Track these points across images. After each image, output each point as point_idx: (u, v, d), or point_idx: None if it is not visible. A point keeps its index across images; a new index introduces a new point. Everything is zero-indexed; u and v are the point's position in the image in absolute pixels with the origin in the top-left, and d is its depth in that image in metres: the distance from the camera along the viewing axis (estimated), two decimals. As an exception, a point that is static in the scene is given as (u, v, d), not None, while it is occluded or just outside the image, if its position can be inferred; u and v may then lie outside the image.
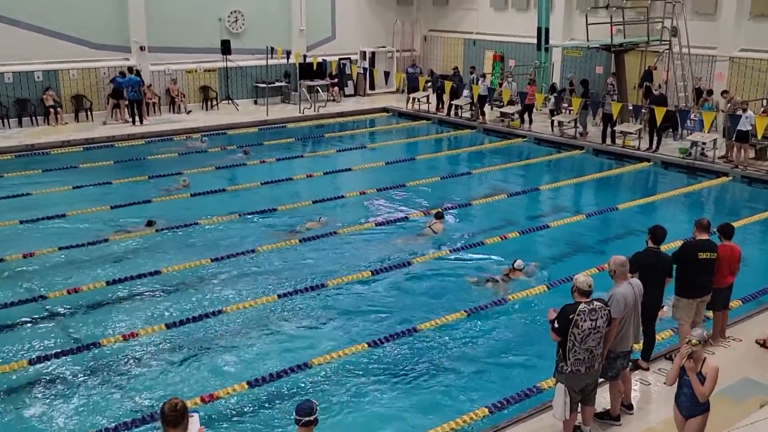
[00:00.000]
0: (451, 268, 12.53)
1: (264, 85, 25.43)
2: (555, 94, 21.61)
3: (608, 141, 20.40)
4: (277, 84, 26.50)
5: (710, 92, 19.83)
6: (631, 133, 20.26)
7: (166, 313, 10.75)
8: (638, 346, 8.57)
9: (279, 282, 11.88)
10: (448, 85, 23.01)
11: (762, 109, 18.68)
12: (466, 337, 10.20)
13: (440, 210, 14.47)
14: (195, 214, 14.71)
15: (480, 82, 22.99)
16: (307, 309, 11.00)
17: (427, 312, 10.89)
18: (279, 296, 11.23)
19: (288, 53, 24.36)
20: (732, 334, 9.59)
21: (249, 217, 14.79)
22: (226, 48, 24.87)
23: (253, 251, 12.93)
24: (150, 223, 13.96)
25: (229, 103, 25.28)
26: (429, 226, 14.03)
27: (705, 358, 6.63)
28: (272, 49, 23.98)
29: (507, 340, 10.14)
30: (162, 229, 13.90)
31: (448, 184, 17.68)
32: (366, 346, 9.78)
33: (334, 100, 27.06)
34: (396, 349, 9.85)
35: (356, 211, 15.43)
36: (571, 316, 6.89)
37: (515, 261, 12.12)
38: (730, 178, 17.71)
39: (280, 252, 13.05)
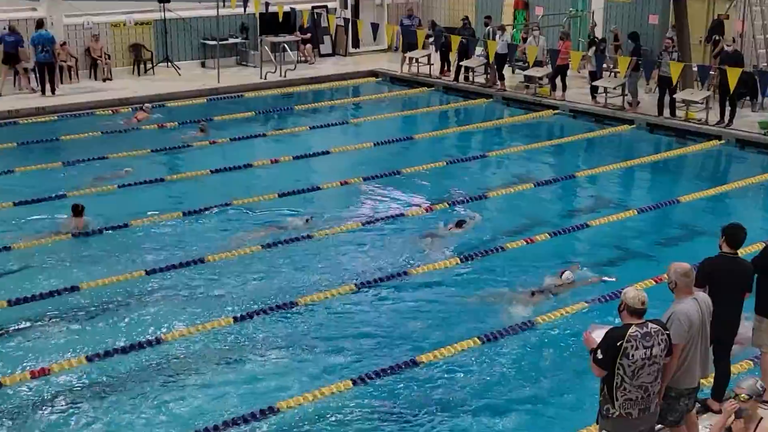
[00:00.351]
0: (460, 282, 12.55)
1: (214, 43, 25.39)
2: (596, 52, 21.62)
3: (666, 113, 20.46)
4: (231, 41, 26.50)
5: None
6: (697, 103, 20.33)
7: (87, 343, 10.70)
8: (707, 382, 8.58)
9: (236, 300, 11.86)
10: (455, 40, 23.00)
11: None
12: (480, 371, 10.21)
13: (461, 219, 14.61)
14: (125, 212, 14.68)
15: (498, 36, 23.02)
16: (272, 335, 10.98)
17: (429, 338, 10.89)
18: (236, 319, 11.22)
19: (245, 0, 24.29)
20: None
21: (194, 215, 14.78)
22: (163, -7, 24.87)
23: (201, 261, 12.92)
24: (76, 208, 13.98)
25: (168, 67, 25.23)
26: (448, 230, 14.34)
27: (761, 418, 6.63)
28: (225, -6, 23.96)
29: (533, 375, 10.15)
30: (81, 234, 13.87)
31: (457, 171, 17.71)
32: (350, 384, 9.77)
33: (306, 62, 27.03)
34: (390, 387, 9.83)
35: (336, 207, 15.42)
36: (619, 343, 6.89)
37: (563, 272, 12.37)
38: (826, 160, 17.84)
39: (238, 262, 13.04)
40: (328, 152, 18.65)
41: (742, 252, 12.06)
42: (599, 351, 6.97)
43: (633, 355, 6.88)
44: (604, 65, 22.26)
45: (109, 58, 24.42)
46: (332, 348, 10.73)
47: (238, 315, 11.32)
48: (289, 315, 11.45)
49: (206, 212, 14.94)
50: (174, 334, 10.85)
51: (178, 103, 22.39)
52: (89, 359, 10.25)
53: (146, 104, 21.48)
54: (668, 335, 7.08)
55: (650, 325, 6.98)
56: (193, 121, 20.43)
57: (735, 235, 8.36)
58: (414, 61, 25.39)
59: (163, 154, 18.29)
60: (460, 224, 14.44)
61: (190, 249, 13.45)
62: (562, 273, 12.40)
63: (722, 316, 7.90)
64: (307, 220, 14.53)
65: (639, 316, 6.98)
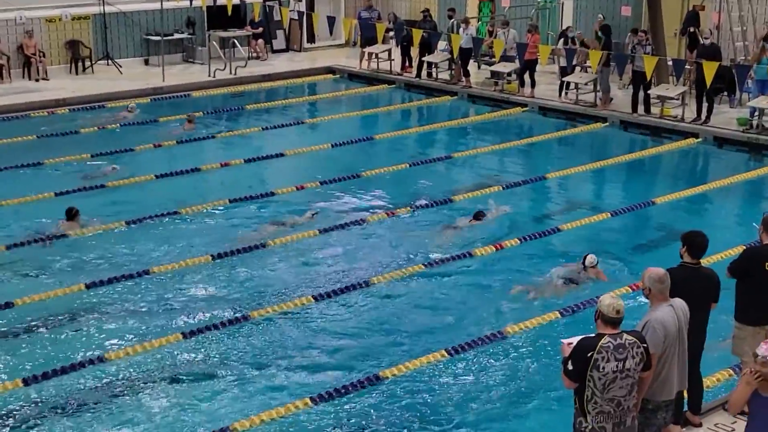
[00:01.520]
0: (423, 291, 12.60)
1: (158, 39, 25.24)
2: (566, 46, 21.82)
3: (640, 109, 20.69)
4: (176, 36, 26.42)
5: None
6: (672, 99, 20.58)
7: (22, 364, 10.58)
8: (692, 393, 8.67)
9: (186, 314, 11.81)
10: (417, 34, 23.10)
11: None
12: (448, 385, 10.24)
13: (481, 210, 14.89)
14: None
15: (462, 30, 23.14)
16: (225, 352, 10.93)
17: (392, 351, 10.91)
18: (185, 335, 11.16)
19: (190, -8, 24.20)
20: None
21: (137, 224, 14.71)
22: (102, -14, 24.70)
23: (147, 272, 12.85)
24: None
25: (108, 65, 25.06)
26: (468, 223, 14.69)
27: None
28: (169, -14, 23.83)
29: (505, 388, 10.19)
30: (15, 245, 13.73)
31: (420, 173, 17.76)
32: (308, 402, 9.76)
33: (258, 58, 26.99)
34: (352, 404, 9.83)
35: (292, 214, 15.38)
36: (589, 354, 6.92)
37: (586, 257, 12.68)
38: (808, 158, 18.13)
39: (186, 273, 12.98)
40: (282, 155, 18.62)
41: (722, 255, 12.35)
42: (569, 362, 7.02)
43: (603, 368, 6.92)
44: (576, 60, 22.45)
45: (44, 56, 24.18)
46: (291, 364, 10.70)
47: (189, 330, 11.24)
48: (243, 329, 11.40)
49: (150, 220, 14.85)
50: (118, 353, 10.74)
51: (119, 104, 22.22)
52: (25, 382, 10.12)
53: (130, 105, 21.55)
54: (645, 348, 7.11)
55: (625, 336, 7.02)
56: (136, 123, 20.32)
57: (695, 242, 8.28)
58: (374, 56, 25.45)
59: (104, 159, 18.14)
60: (478, 216, 14.69)
61: (133, 260, 13.36)
62: (585, 258, 12.68)
63: (690, 328, 7.77)
64: (313, 215, 14.91)
65: (614, 325, 7.01)
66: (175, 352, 10.89)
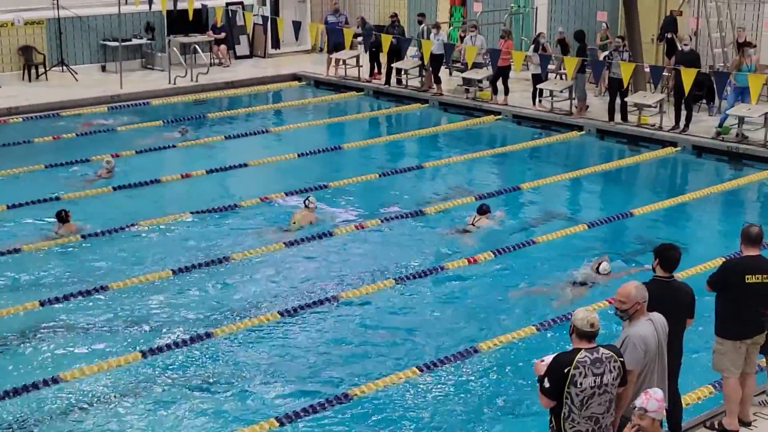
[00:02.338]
0: (395, 307, 12.63)
1: (116, 44, 25.16)
2: (540, 52, 21.97)
3: (617, 117, 20.85)
4: (135, 42, 26.33)
5: (748, 45, 20.28)
6: (650, 107, 20.76)
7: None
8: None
9: (145, 331, 11.76)
10: (386, 40, 23.16)
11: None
12: (419, 403, 10.24)
13: (484, 204, 15.38)
14: (13, 235, 14.54)
15: (433, 35, 23.24)
16: (188, 371, 10.88)
17: (362, 368, 10.90)
18: (144, 353, 11.09)
19: (151, -4, 24.14)
20: (796, 388, 9.87)
21: (94, 238, 14.61)
22: (57, -11, 24.60)
23: (104, 288, 12.78)
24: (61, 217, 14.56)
25: (63, 71, 24.93)
26: (472, 223, 15.01)
27: None
28: (127, -11, 23.76)
29: (477, 406, 10.22)
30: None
31: (390, 184, 17.79)
32: (274, 423, 9.72)
33: (220, 64, 26.95)
34: (323, 424, 9.81)
35: (257, 226, 15.36)
36: (566, 370, 6.96)
37: (599, 263, 13.16)
38: (790, 168, 18.33)
39: (145, 289, 12.92)
40: (246, 165, 18.58)
41: (702, 267, 12.47)
42: (546, 379, 7.04)
43: (581, 383, 6.96)
44: (551, 66, 22.58)
45: (-4, 62, 24.07)
46: (256, 383, 10.67)
47: (148, 348, 11.19)
48: (206, 347, 11.35)
49: (107, 234, 14.76)
50: (74, 372, 10.66)
51: (75, 112, 22.10)
52: (-24, 403, 10.04)
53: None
54: (622, 362, 7.16)
55: (602, 350, 7.07)
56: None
57: (668, 257, 8.32)
58: (342, 62, 25.48)
59: (61, 169, 18.03)
60: (483, 211, 15.15)
61: (90, 276, 13.27)
62: (599, 264, 13.12)
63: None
64: (306, 202, 15.29)
65: (590, 339, 7.06)
66: (135, 372, 10.81)
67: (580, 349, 7.01)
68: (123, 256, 14.11)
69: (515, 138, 21.06)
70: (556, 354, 7.09)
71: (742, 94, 19.29)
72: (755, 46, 20.37)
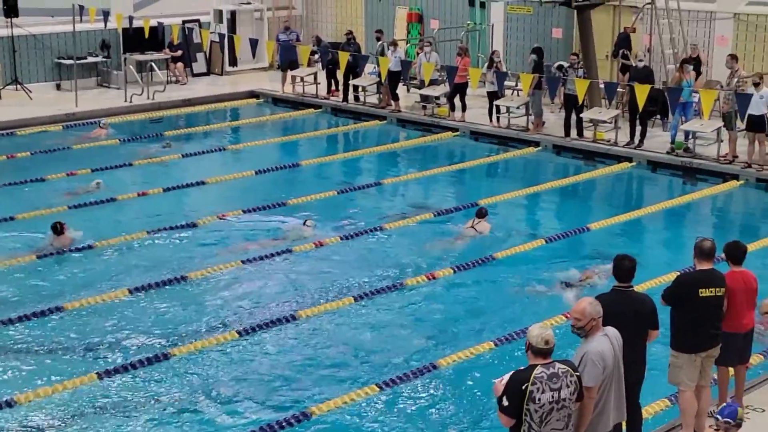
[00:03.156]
0: (357, 322, 12.61)
1: (71, 62, 24.99)
2: (496, 69, 22.10)
3: (573, 133, 21.02)
4: (90, 60, 26.18)
5: (691, 61, 20.43)
6: (605, 122, 20.95)
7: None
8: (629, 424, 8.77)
9: (101, 352, 11.66)
10: (343, 57, 23.21)
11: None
12: (379, 422, 10.23)
13: (482, 207, 15.93)
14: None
15: (390, 52, 23.31)
16: (145, 392, 10.79)
17: (321, 387, 10.89)
18: (100, 375, 11.00)
19: (106, 14, 23.99)
20: (751, 402, 9.93)
21: (47, 258, 14.48)
22: (10, 7, 24.35)
23: (59, 309, 12.67)
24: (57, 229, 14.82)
25: (17, 90, 24.71)
26: (472, 226, 15.50)
27: None
28: (82, 8, 23.59)
29: (436, 424, 10.22)
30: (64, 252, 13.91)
31: (349, 201, 17.79)
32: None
33: (177, 82, 26.86)
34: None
35: (214, 245, 15.31)
36: (524, 386, 6.97)
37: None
38: (742, 182, 18.56)
39: (103, 309, 12.81)
40: (203, 183, 18.51)
41: (657, 281, 12.58)
42: (504, 398, 7.04)
43: (539, 399, 6.98)
44: (507, 83, 22.74)
45: (-51, 81, 23.82)
46: (214, 404, 10.61)
47: (104, 370, 11.08)
48: (163, 368, 11.26)
49: (63, 254, 14.63)
50: (29, 395, 10.53)
51: (29, 131, 21.91)
52: (-71, 428, 9.89)
53: (102, 121, 21.98)
54: (578, 377, 7.20)
55: (557, 365, 7.10)
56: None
57: (620, 267, 8.39)
58: (298, 80, 25.48)
59: (15, 188, 17.84)
60: (480, 213, 15.73)
61: (44, 296, 13.14)
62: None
63: (625, 357, 7.84)
64: (305, 223, 15.70)
65: (544, 356, 7.10)
66: (90, 394, 10.71)
67: (536, 365, 7.04)
68: (79, 275, 13.98)
69: (473, 154, 21.17)
70: (512, 372, 7.11)
71: (685, 109, 19.56)
72: (694, 62, 20.55)
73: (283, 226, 15.91)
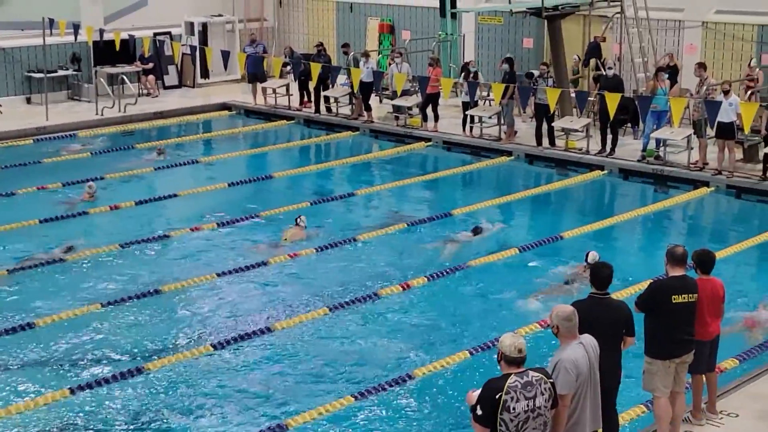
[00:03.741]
0: (329, 333, 12.58)
1: (41, 76, 24.85)
2: (469, 80, 22.18)
3: (545, 142, 21.10)
4: (61, 73, 26.07)
5: (666, 69, 20.58)
6: (577, 131, 21.05)
7: None
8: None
9: (74, 368, 11.58)
10: (315, 68, 23.18)
11: (748, 92, 19.84)
12: (353, 429, 10.23)
13: (479, 226, 16.40)
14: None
15: (362, 63, 23.31)
16: (119, 407, 10.71)
17: (297, 398, 10.85)
18: (73, 390, 10.90)
19: (76, 27, 23.88)
20: (724, 407, 9.99)
21: (19, 272, 14.39)
22: (-20, 20, 24.25)
23: (30, 325, 12.56)
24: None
25: (-13, 103, 24.56)
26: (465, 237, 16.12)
27: None
28: (52, 21, 23.48)
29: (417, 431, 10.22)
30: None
31: (322, 212, 17.76)
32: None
33: (148, 95, 26.76)
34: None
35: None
36: (498, 396, 6.96)
37: (588, 254, 13.93)
38: (713, 188, 18.69)
39: (76, 323, 12.70)
40: (176, 195, 18.43)
41: (631, 290, 12.64)
42: (478, 407, 7.03)
43: (514, 408, 6.97)
44: (479, 93, 22.79)
45: None
46: (189, 418, 10.55)
47: (77, 386, 11.00)
48: (137, 382, 11.19)
49: (34, 268, 14.51)
50: (0, 412, 10.44)
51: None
52: None
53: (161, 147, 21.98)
54: (552, 384, 7.20)
55: (531, 373, 7.09)
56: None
57: (598, 275, 8.44)
58: (271, 92, 25.45)
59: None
60: (476, 231, 16.12)
61: (16, 311, 13.03)
62: (587, 255, 13.90)
63: (601, 364, 7.89)
64: (297, 220, 16.15)
65: (518, 364, 7.09)
66: (63, 409, 10.61)
67: (510, 374, 7.03)
68: (50, 290, 13.86)
69: (446, 164, 21.20)
70: (486, 381, 7.10)
71: (659, 117, 19.70)
72: (670, 70, 20.73)
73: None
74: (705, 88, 19.51)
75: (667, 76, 20.06)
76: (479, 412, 7.00)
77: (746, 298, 13.22)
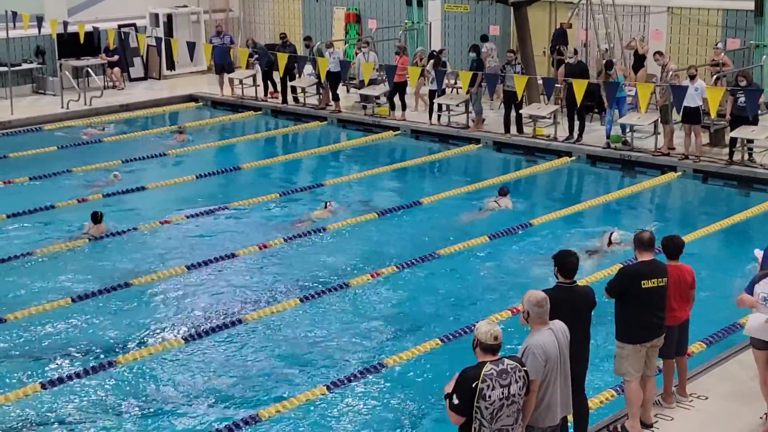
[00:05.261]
0: (300, 323, 12.58)
1: (5, 69, 24.62)
2: (436, 68, 22.18)
3: (513, 129, 21.17)
4: (25, 66, 25.86)
5: (610, 65, 20.62)
6: (544, 118, 21.13)
7: None
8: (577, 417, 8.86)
9: (45, 362, 11.51)
10: (282, 58, 23.11)
11: (713, 76, 20.00)
12: (330, 420, 10.23)
13: (504, 186, 17.38)
14: None
15: (328, 53, 23.25)
16: (91, 401, 10.67)
17: (271, 389, 10.86)
18: (44, 385, 10.86)
19: (40, 20, 23.68)
20: (694, 390, 10.09)
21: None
22: (-59, 14, 23.97)
23: (0, 320, 12.46)
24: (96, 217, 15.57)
25: (-50, 98, 24.33)
26: (494, 201, 16.85)
27: None
28: (15, 14, 23.25)
29: (386, 424, 10.23)
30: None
31: (292, 202, 17.74)
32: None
33: (114, 87, 26.59)
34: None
35: (156, 250, 15.19)
36: (474, 384, 6.99)
37: (611, 233, 14.68)
38: (680, 173, 18.83)
39: (45, 317, 12.64)
40: (143, 188, 18.34)
41: (602, 274, 12.72)
42: (454, 396, 7.05)
43: (490, 396, 7.01)
44: (446, 81, 22.82)
45: None
46: (162, 410, 10.52)
47: (48, 380, 10.95)
48: (109, 376, 11.16)
49: (2, 263, 14.41)
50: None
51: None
52: None
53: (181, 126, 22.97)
54: (526, 372, 7.24)
55: (506, 361, 7.13)
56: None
57: (566, 263, 8.50)
58: (238, 83, 25.36)
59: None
60: (503, 192, 17.08)
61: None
62: (610, 234, 14.67)
63: (570, 350, 7.90)
64: (327, 206, 16.62)
65: (494, 352, 7.12)
66: (34, 404, 10.56)
67: (485, 363, 7.06)
68: (19, 284, 13.77)
69: (414, 152, 21.23)
70: (462, 369, 7.13)
71: (619, 103, 19.84)
72: (611, 65, 20.68)
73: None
74: (669, 74, 19.64)
75: (612, 70, 20.03)
76: (455, 401, 7.02)
77: (713, 280, 13.33)
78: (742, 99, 18.12)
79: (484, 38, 23.52)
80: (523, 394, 7.19)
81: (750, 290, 9.10)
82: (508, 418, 7.11)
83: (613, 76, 19.74)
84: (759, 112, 18.74)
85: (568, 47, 22.68)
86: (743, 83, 18.13)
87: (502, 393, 7.03)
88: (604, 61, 20.15)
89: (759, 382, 9.40)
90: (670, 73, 19.60)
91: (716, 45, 21.28)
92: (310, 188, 18.66)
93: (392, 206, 17.22)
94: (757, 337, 9.11)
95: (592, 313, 8.54)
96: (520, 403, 7.19)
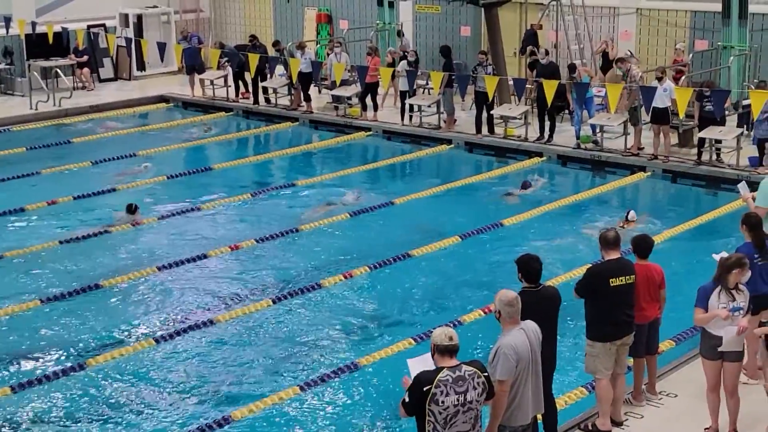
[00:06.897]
0: (273, 323, 12.59)
1: (-27, 69, 24.50)
2: (408, 68, 22.23)
3: (485, 130, 21.26)
4: (-7, 67, 25.68)
5: (573, 68, 20.74)
6: (515, 118, 21.23)
7: None
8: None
9: (13, 366, 11.48)
10: (253, 59, 23.07)
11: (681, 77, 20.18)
12: (302, 422, 10.25)
13: (527, 181, 18.47)
14: None
15: (299, 54, 23.26)
16: (60, 405, 10.66)
17: (242, 391, 10.86)
18: (14, 388, 10.83)
19: (7, 20, 23.54)
20: (664, 388, 10.21)
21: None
22: None
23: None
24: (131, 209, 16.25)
25: None
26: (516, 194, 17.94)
27: None
28: (-17, 14, 23.14)
29: (359, 423, 10.27)
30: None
31: (263, 204, 17.74)
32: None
33: (84, 88, 26.48)
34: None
35: (127, 252, 15.14)
36: (426, 388, 7.00)
37: (628, 212, 15.79)
38: (649, 173, 18.99)
39: (14, 319, 12.60)
40: (114, 190, 18.28)
41: (569, 275, 12.81)
42: (407, 394, 7.10)
43: (443, 402, 7.00)
44: (417, 81, 22.88)
45: None
46: (132, 412, 10.52)
47: (17, 384, 10.92)
48: (79, 379, 11.12)
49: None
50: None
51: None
52: None
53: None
54: (486, 377, 7.23)
55: (464, 368, 7.12)
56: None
57: (530, 269, 8.53)
58: (209, 83, 25.32)
59: None
60: (525, 186, 18.04)
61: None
62: (628, 212, 15.80)
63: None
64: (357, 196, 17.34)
65: (451, 354, 7.11)
66: (4, 408, 10.52)
67: (442, 368, 7.08)
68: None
69: (386, 153, 21.28)
70: (420, 372, 7.15)
71: (587, 103, 20.00)
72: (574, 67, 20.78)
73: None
74: (638, 76, 19.81)
75: (576, 72, 20.16)
76: (407, 398, 7.10)
77: (681, 279, 13.44)
78: (709, 107, 18.24)
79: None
80: (482, 401, 7.20)
81: (704, 304, 8.96)
82: (464, 424, 7.12)
83: (578, 78, 19.89)
84: (726, 113, 18.91)
85: (539, 48, 22.81)
86: (708, 93, 18.27)
87: (458, 399, 7.04)
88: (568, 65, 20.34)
89: (707, 391, 9.29)
90: (636, 78, 19.74)
91: (676, 46, 21.53)
92: (282, 188, 18.65)
93: (364, 207, 17.25)
94: (733, 349, 9.09)
95: (560, 313, 8.64)
96: (478, 409, 7.20)
